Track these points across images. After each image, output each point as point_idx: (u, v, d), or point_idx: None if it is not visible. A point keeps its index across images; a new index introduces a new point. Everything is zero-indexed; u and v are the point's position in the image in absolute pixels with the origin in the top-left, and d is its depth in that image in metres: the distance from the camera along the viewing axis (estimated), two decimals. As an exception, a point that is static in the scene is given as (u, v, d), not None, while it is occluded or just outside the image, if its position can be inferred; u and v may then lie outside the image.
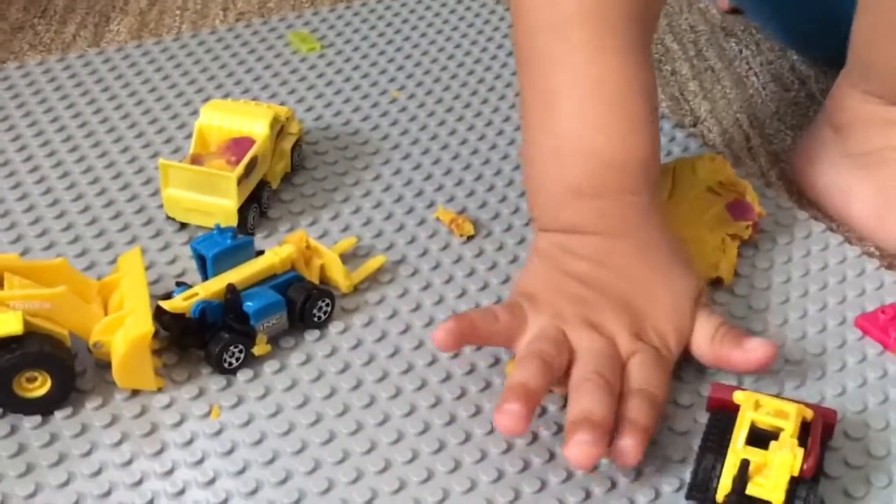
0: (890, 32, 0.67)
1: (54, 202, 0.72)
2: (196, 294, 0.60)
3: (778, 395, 0.57)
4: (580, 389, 0.55)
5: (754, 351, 0.59)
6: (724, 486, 0.52)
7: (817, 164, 0.74)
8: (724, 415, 0.55)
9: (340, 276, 0.65)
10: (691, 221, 0.69)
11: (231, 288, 0.60)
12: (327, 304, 0.63)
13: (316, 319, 0.63)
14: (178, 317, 0.60)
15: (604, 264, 0.61)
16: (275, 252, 0.63)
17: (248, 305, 0.60)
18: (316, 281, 0.64)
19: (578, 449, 0.52)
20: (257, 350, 0.61)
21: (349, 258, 0.68)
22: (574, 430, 0.53)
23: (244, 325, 0.60)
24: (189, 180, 0.67)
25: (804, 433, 0.54)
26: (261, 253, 0.63)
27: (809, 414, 0.54)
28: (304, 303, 0.62)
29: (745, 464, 0.52)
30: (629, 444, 0.54)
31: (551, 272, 0.61)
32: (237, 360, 0.60)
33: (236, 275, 0.61)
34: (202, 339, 0.60)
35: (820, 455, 0.53)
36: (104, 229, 0.70)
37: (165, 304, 0.60)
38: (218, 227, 0.62)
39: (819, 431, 0.54)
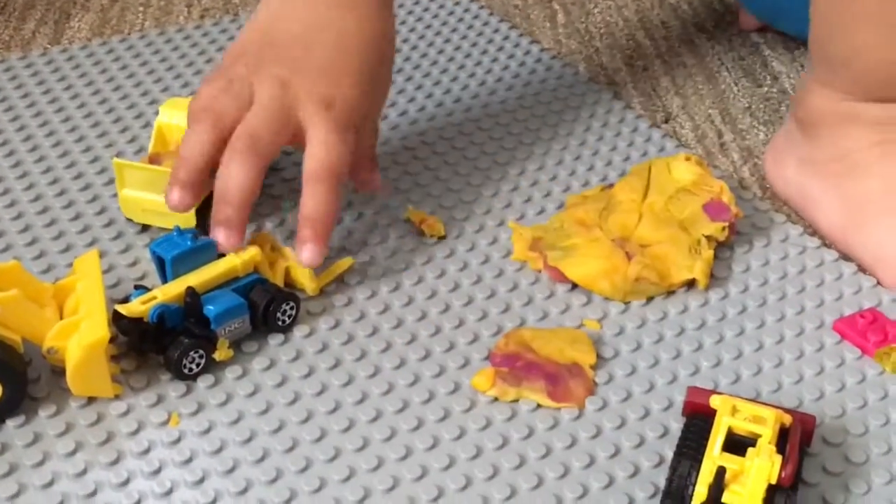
0: (847, 21, 0.65)
1: (11, 203, 0.70)
2: (154, 298, 0.58)
3: (755, 400, 0.55)
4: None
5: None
6: (700, 493, 0.50)
7: (786, 168, 0.73)
8: (700, 420, 0.54)
9: (306, 279, 0.63)
10: (667, 222, 0.67)
11: (191, 291, 0.58)
12: (292, 308, 0.61)
13: (280, 323, 0.61)
14: (137, 321, 0.58)
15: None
16: (237, 254, 0.61)
17: (209, 309, 0.58)
18: (281, 283, 0.63)
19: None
20: (218, 355, 0.59)
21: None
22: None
23: (205, 330, 0.58)
24: (145, 180, 0.65)
25: (782, 439, 0.52)
26: (223, 255, 0.61)
27: (788, 419, 0.53)
28: (268, 306, 0.60)
29: (721, 471, 0.50)
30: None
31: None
32: (197, 365, 0.58)
33: (196, 277, 0.59)
34: (161, 345, 0.58)
35: (798, 462, 0.52)
36: (63, 231, 0.68)
37: (122, 309, 0.58)
38: (178, 229, 0.60)
39: (797, 438, 0.52)
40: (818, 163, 0.70)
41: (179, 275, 0.59)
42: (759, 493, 0.50)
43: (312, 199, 0.61)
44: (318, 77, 0.64)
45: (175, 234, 0.60)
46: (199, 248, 0.60)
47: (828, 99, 0.69)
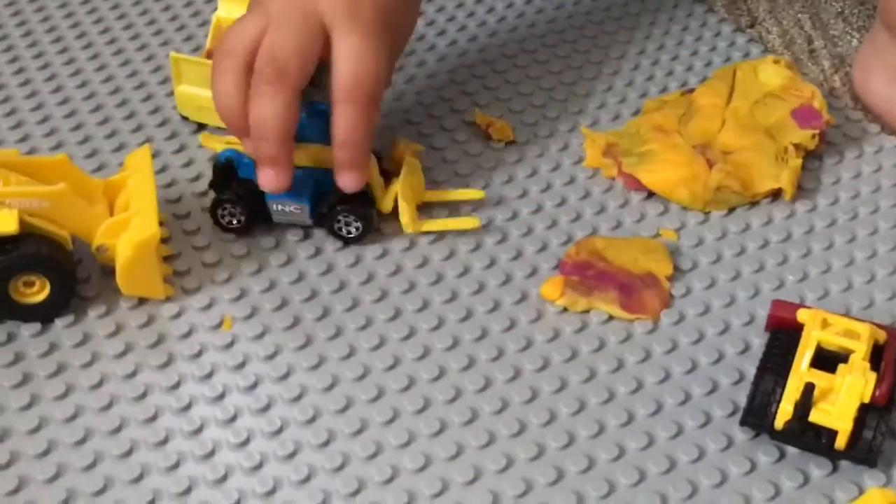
0: None
1: (64, 100, 0.67)
2: (232, 144, 0.58)
3: (847, 316, 0.51)
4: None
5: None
6: (785, 411, 0.47)
7: (875, 75, 0.67)
8: (785, 335, 0.50)
9: (405, 215, 0.57)
10: (752, 128, 0.63)
11: None
12: (357, 228, 0.57)
13: (340, 232, 0.58)
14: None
15: None
16: None
17: None
18: (388, 208, 0.58)
19: None
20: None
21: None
22: None
23: (256, 195, 0.56)
24: (202, 76, 0.62)
25: (876, 357, 0.48)
26: None
27: (882, 335, 0.49)
28: (331, 208, 0.57)
29: (809, 388, 0.46)
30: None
31: None
32: (238, 221, 0.57)
33: (302, 149, 0.56)
34: (222, 186, 0.57)
35: (894, 381, 0.48)
36: (116, 129, 0.65)
37: (202, 137, 0.60)
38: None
39: (894, 355, 0.48)
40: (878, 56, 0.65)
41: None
42: (851, 411, 0.46)
43: (344, 120, 0.54)
44: None
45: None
46: (313, 122, 0.56)
47: None
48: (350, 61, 0.54)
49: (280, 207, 0.57)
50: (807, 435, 0.47)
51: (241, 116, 0.54)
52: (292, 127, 0.54)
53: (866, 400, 0.46)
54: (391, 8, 0.56)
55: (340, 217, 0.57)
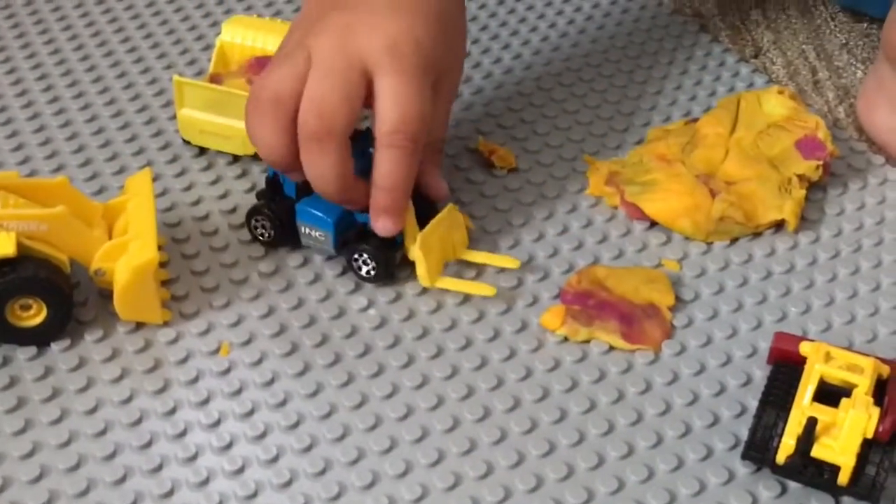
0: None
1: (66, 122, 0.67)
2: None
3: (849, 349, 0.51)
4: None
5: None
6: (787, 445, 0.46)
7: (878, 107, 0.67)
8: (788, 368, 0.50)
9: (422, 268, 0.56)
10: (756, 158, 0.63)
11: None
12: (372, 271, 0.56)
13: (354, 268, 0.57)
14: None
15: None
16: None
17: (303, 202, 0.56)
18: (413, 255, 0.56)
19: None
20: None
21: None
22: None
23: (286, 214, 0.57)
24: (205, 100, 0.62)
25: (879, 392, 0.48)
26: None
27: (886, 370, 0.48)
28: (346, 243, 0.56)
29: (811, 422, 0.46)
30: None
31: None
32: (268, 235, 0.58)
33: None
34: (266, 197, 0.58)
35: (897, 416, 0.47)
36: (118, 152, 0.65)
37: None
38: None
39: (896, 390, 0.47)
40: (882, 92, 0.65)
41: None
42: (854, 447, 0.45)
43: (386, 165, 0.53)
44: (385, 13, 0.54)
45: None
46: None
47: None
48: (393, 104, 0.52)
49: (307, 231, 0.57)
50: (809, 470, 0.47)
51: (290, 162, 0.53)
52: (350, 173, 0.53)
53: (869, 435, 0.46)
54: (435, 49, 0.55)
55: (357, 255, 0.56)
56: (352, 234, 0.56)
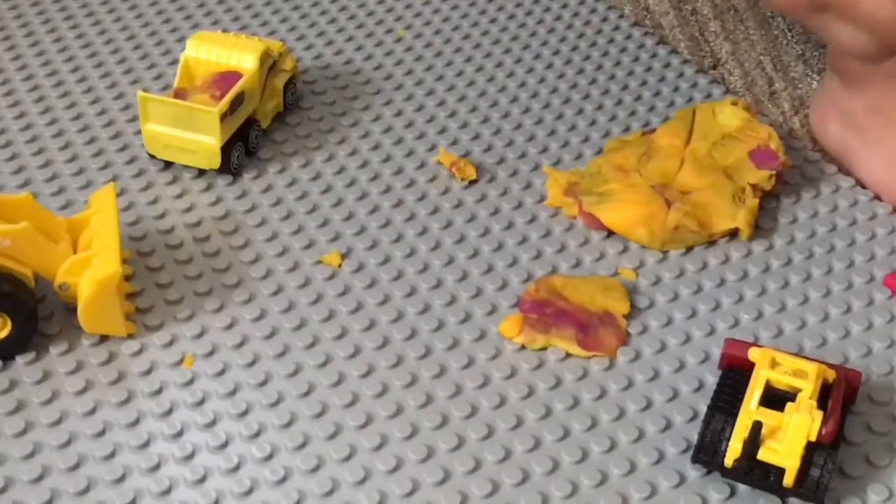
0: None
1: (33, 138, 0.68)
2: None
3: (798, 355, 0.52)
4: None
5: None
6: (734, 449, 0.47)
7: (829, 119, 0.69)
8: (737, 373, 0.51)
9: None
10: (710, 168, 0.64)
11: None
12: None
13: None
14: None
15: None
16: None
17: None
18: None
19: None
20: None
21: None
22: None
23: None
24: (169, 115, 0.63)
25: (825, 395, 0.49)
26: None
27: (831, 375, 0.50)
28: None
29: (757, 426, 0.47)
30: None
31: None
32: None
33: None
34: None
35: (841, 419, 0.49)
36: (84, 167, 0.66)
37: None
38: None
39: (841, 394, 0.49)
40: (857, 115, 0.66)
41: None
42: (798, 450, 0.47)
43: None
44: None
45: None
46: None
47: None
48: None
49: None
50: (755, 473, 0.48)
51: None
52: None
53: (813, 438, 0.47)
54: None
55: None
56: None
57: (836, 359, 0.56)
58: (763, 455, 0.47)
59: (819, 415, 0.47)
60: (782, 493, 0.48)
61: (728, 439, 0.48)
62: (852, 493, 0.50)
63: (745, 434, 0.47)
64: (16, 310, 0.53)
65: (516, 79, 0.74)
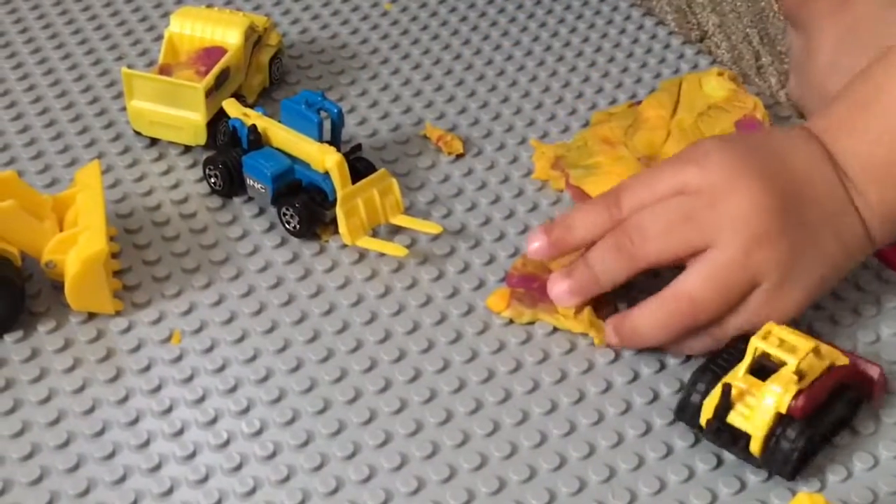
0: None
1: (18, 116, 0.67)
2: (247, 116, 0.61)
3: (819, 337, 0.51)
4: None
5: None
6: (707, 408, 0.48)
7: (792, 78, 0.69)
8: (743, 342, 0.51)
9: (343, 224, 0.58)
10: (696, 139, 0.64)
11: (254, 128, 0.60)
12: (292, 217, 0.59)
13: (288, 226, 0.60)
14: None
15: None
16: (326, 152, 0.59)
17: (252, 154, 0.60)
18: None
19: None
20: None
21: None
22: None
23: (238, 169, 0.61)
24: (154, 91, 0.63)
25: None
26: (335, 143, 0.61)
27: (841, 359, 0.50)
28: (277, 198, 0.60)
29: (727, 389, 0.47)
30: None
31: None
32: (218, 185, 0.61)
33: (285, 135, 0.60)
34: (222, 148, 0.62)
35: (819, 400, 0.48)
36: (69, 144, 0.66)
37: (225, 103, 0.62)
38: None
39: (834, 377, 0.49)
40: (813, 75, 0.68)
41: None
42: (765, 418, 0.47)
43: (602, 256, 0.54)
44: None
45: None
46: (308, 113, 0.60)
47: None
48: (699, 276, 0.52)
49: (251, 183, 0.60)
50: (724, 436, 0.48)
51: (575, 246, 0.55)
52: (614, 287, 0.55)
53: (783, 410, 0.47)
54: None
55: (286, 210, 0.59)
56: (285, 189, 0.59)
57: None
58: (732, 418, 0.48)
59: (794, 388, 0.47)
60: (752, 460, 0.49)
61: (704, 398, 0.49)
62: (837, 462, 0.50)
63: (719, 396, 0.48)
64: (3, 288, 0.53)
65: (503, 52, 0.74)
